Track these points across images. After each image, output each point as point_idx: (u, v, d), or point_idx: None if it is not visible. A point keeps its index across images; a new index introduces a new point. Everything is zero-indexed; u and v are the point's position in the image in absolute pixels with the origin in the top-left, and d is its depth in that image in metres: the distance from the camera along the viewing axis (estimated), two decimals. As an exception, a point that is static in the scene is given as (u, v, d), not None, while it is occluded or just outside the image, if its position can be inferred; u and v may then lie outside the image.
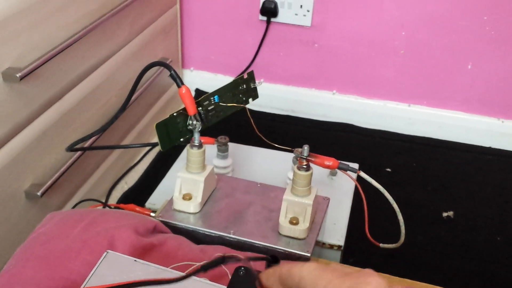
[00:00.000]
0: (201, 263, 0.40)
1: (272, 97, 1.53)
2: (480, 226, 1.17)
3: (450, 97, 1.43)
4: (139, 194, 1.18)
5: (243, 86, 0.72)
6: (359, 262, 1.04)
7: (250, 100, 0.74)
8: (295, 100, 1.52)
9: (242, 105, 0.72)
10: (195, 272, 0.41)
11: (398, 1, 1.34)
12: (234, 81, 0.72)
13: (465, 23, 1.33)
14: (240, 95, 0.72)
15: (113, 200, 1.15)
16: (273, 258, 0.41)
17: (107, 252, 0.47)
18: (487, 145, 1.44)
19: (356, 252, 1.01)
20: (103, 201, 1.03)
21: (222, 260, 0.40)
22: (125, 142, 1.22)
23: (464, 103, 1.43)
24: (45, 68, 0.89)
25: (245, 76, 0.72)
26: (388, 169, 1.33)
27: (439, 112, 1.45)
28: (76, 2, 0.96)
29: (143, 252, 0.55)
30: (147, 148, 1.26)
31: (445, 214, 1.20)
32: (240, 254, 0.57)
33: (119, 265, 0.46)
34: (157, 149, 1.28)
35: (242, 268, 0.44)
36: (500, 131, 1.43)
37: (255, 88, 0.73)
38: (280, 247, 0.64)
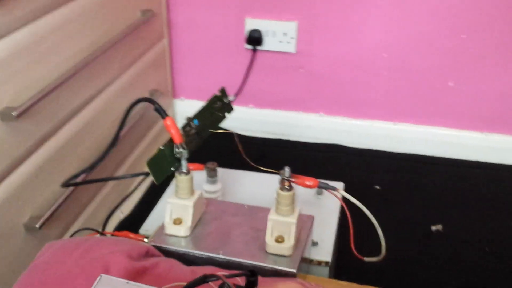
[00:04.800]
0: (186, 283, 0.44)
1: (262, 122, 1.57)
2: (469, 238, 1.20)
3: (434, 114, 1.47)
4: (134, 222, 1.20)
5: (218, 104, 0.77)
6: (352, 279, 1.07)
7: (226, 114, 0.78)
8: (284, 123, 1.56)
9: (218, 125, 0.76)
10: (181, 290, 0.44)
11: (378, 26, 1.39)
12: (208, 101, 0.76)
13: (444, 43, 1.38)
14: (217, 112, 0.77)
15: (109, 228, 1.19)
16: (251, 272, 0.45)
17: (101, 276, 0.50)
18: (474, 159, 1.47)
19: (349, 269, 1.03)
20: (100, 229, 1.07)
21: (204, 278, 0.43)
22: (119, 173, 1.25)
23: (448, 119, 1.47)
24: (40, 105, 0.93)
25: (218, 93, 0.77)
26: (377, 187, 1.36)
27: (425, 129, 1.49)
28: (67, 42, 1.01)
29: (136, 276, 0.58)
30: (141, 177, 1.30)
31: (434, 228, 1.23)
32: (226, 272, 0.60)
33: (113, 287, 0.50)
34: (151, 177, 1.32)
35: (226, 284, 0.47)
36: (485, 144, 1.47)
37: (229, 103, 0.78)
38: (268, 264, 0.67)
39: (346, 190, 0.85)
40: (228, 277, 0.43)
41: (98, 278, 0.50)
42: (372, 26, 1.40)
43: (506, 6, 1.31)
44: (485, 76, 1.40)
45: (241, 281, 0.53)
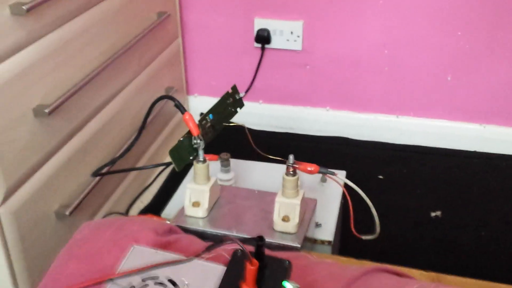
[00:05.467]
0: (208, 245, 0.53)
1: (271, 117, 1.66)
2: (466, 223, 1.27)
3: (434, 107, 1.55)
4: (154, 211, 1.29)
5: (230, 100, 0.86)
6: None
7: (238, 109, 0.87)
8: (292, 118, 1.65)
9: (231, 119, 0.84)
10: (202, 253, 0.53)
11: (378, 24, 1.47)
12: (222, 98, 0.85)
13: (441, 40, 1.45)
14: (229, 108, 0.86)
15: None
16: (260, 237, 0.54)
17: (134, 246, 0.60)
18: (471, 149, 1.55)
19: (352, 250, 1.11)
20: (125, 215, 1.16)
21: (221, 241, 0.53)
22: (139, 164, 1.35)
23: (447, 112, 1.55)
24: (68, 103, 1.02)
25: (230, 90, 0.86)
26: (381, 176, 1.44)
27: (425, 121, 1.57)
28: (91, 44, 1.10)
29: (162, 248, 0.67)
30: (160, 169, 1.40)
31: (433, 214, 1.30)
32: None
33: (144, 255, 0.59)
34: (169, 170, 1.41)
35: (239, 250, 0.56)
36: (482, 135, 1.54)
37: (240, 99, 0.86)
38: (275, 240, 0.77)
39: (351, 179, 0.93)
40: (241, 241, 0.52)
41: (131, 248, 0.60)
42: (373, 24, 1.48)
43: (497, 4, 1.38)
44: (480, 70, 1.47)
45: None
